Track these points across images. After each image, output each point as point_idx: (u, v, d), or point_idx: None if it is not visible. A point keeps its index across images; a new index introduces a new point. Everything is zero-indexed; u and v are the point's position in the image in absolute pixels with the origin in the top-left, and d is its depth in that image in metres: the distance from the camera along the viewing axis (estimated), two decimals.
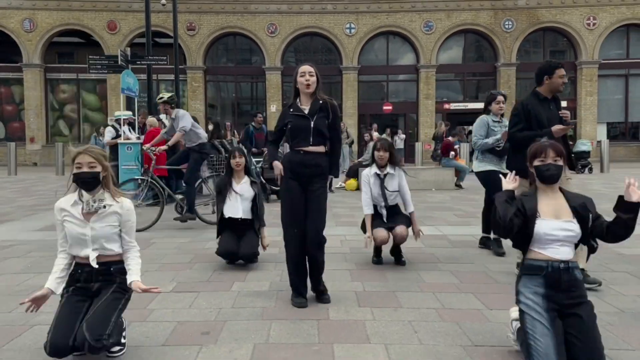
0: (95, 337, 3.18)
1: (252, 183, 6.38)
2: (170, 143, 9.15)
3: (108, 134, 13.74)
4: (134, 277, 3.56)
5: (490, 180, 6.87)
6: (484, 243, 7.06)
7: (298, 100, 4.80)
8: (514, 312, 3.60)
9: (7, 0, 30.58)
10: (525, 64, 31.73)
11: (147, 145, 9.55)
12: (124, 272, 3.62)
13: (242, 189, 6.26)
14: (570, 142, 20.42)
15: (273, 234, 6.88)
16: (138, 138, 12.38)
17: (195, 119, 14.26)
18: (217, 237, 6.28)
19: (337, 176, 6.33)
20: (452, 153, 15.61)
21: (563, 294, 3.34)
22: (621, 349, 3.68)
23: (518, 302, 3.45)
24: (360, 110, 32.05)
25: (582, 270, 4.76)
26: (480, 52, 33.16)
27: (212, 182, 9.26)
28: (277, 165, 4.79)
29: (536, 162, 3.52)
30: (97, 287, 3.56)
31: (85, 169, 3.49)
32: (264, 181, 12.10)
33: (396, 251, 6.22)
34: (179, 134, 9.01)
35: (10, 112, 32.49)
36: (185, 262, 6.31)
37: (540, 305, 3.33)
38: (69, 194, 3.65)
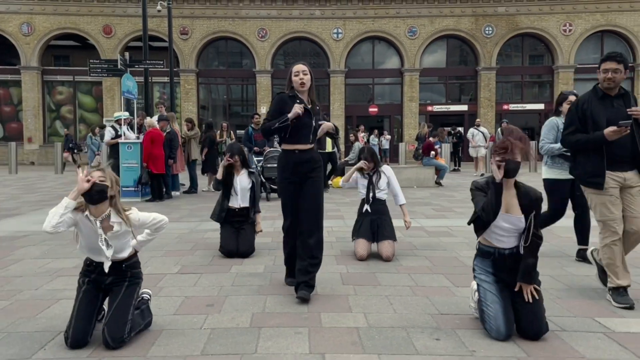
0: (116, 342, 3.56)
1: (250, 173, 6.81)
2: None
3: (108, 134, 14.17)
4: (138, 238, 3.98)
5: (555, 192, 6.18)
6: (582, 256, 6.14)
7: (296, 95, 4.78)
8: (474, 285, 4.16)
9: (5, 5, 30.83)
10: (505, 67, 32.50)
11: None
12: (134, 266, 3.95)
13: (242, 180, 6.71)
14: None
15: (266, 225, 7.39)
16: (137, 138, 12.83)
17: (190, 120, 14.80)
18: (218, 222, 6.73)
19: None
20: (433, 153, 16.15)
21: (508, 273, 3.93)
22: (564, 315, 4.25)
23: (474, 277, 4.04)
24: (347, 112, 32.56)
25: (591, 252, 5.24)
26: (462, 56, 33.76)
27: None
28: (296, 106, 4.61)
29: (500, 158, 3.82)
30: (109, 280, 3.80)
31: (96, 182, 3.61)
32: (264, 180, 12.44)
33: None
34: None
35: (9, 113, 32.73)
36: (187, 250, 6.83)
37: (490, 279, 3.94)
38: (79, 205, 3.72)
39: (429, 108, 32.95)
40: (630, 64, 31.83)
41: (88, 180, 3.60)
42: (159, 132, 12.48)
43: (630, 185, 4.69)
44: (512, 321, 3.79)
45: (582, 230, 6.27)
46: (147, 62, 15.90)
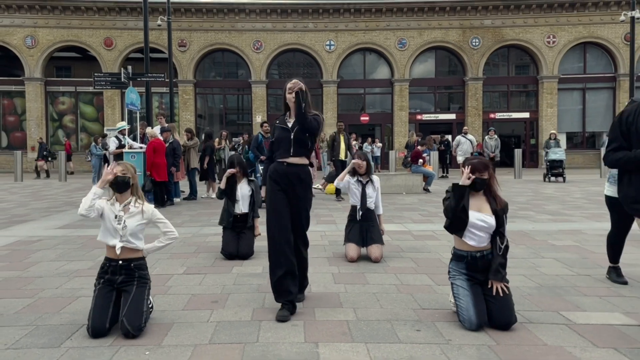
0: (136, 330, 3.97)
1: (250, 182, 7.19)
2: None
3: (112, 144, 14.56)
4: (146, 246, 4.39)
5: (613, 210, 5.38)
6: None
7: (287, 114, 4.82)
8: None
9: (10, 19, 31.19)
10: (491, 78, 33.08)
11: None
12: (141, 268, 4.34)
13: (243, 188, 7.09)
14: (545, 150, 20.44)
15: (263, 229, 7.74)
16: (141, 147, 13.19)
17: (190, 130, 15.16)
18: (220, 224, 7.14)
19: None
20: (421, 161, 16.54)
21: (480, 273, 4.35)
22: (532, 310, 4.64)
23: (450, 277, 4.48)
24: (339, 121, 32.88)
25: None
26: (450, 67, 34.26)
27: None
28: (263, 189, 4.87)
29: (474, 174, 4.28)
30: (120, 279, 4.21)
31: (119, 174, 4.27)
32: None
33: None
34: None
35: (13, 122, 33.06)
36: (191, 252, 7.20)
37: (463, 277, 4.37)
38: (108, 198, 4.37)
39: (419, 117, 33.43)
40: (611, 74, 32.42)
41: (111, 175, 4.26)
42: (161, 142, 12.84)
43: None
44: (483, 313, 4.18)
45: (614, 248, 5.61)
46: (149, 75, 16.27)
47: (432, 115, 33.74)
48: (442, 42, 32.73)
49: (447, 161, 25.16)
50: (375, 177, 7.05)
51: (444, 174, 24.12)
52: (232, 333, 4.07)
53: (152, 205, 4.50)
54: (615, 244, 5.53)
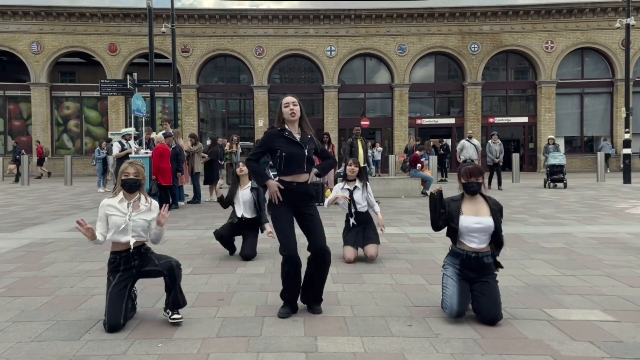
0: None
1: (252, 189, 7.42)
2: None
3: (116, 148, 14.93)
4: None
5: None
6: None
7: (287, 127, 4.75)
8: None
9: (16, 25, 31.59)
10: (490, 82, 33.46)
11: None
12: (149, 249, 4.65)
13: (244, 194, 7.40)
14: (545, 156, 20.49)
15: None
16: (146, 153, 13.51)
17: (194, 135, 15.47)
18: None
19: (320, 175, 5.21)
20: (419, 165, 16.83)
21: (473, 272, 4.67)
22: (517, 307, 4.94)
23: (443, 269, 4.82)
24: (340, 125, 33.35)
25: None
26: (449, 72, 34.65)
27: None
28: (272, 184, 4.68)
29: (467, 180, 4.66)
30: (137, 263, 4.50)
31: (132, 176, 4.50)
32: None
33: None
34: None
35: (19, 127, 33.50)
36: (197, 254, 7.52)
37: (454, 270, 4.70)
38: (114, 195, 4.63)
39: (418, 121, 33.78)
40: (609, 79, 32.70)
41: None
42: (167, 147, 13.15)
43: None
44: (466, 303, 4.54)
45: None
46: (154, 81, 16.62)
47: (431, 119, 34.10)
48: (441, 47, 33.12)
49: (445, 165, 25.38)
50: (360, 184, 7.23)
51: (443, 178, 24.36)
52: (237, 328, 4.39)
53: (157, 204, 4.77)
54: None
